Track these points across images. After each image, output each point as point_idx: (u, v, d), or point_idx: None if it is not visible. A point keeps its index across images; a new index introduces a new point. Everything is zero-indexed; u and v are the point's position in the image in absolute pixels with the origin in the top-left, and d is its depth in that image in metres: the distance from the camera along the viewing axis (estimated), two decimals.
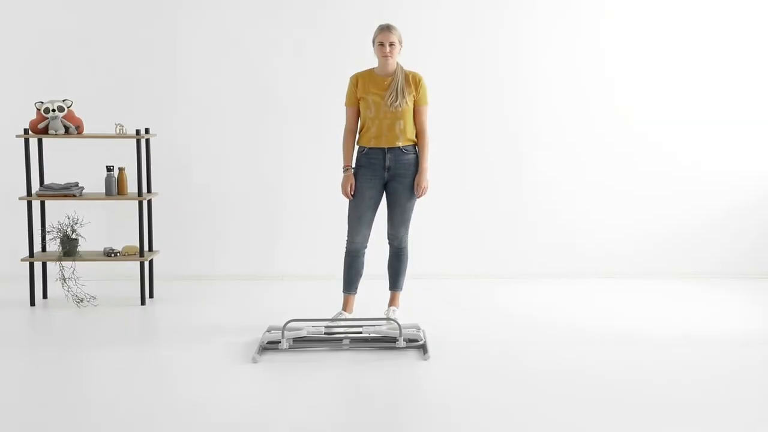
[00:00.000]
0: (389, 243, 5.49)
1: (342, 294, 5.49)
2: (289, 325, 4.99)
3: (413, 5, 6.82)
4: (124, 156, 6.52)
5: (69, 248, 6.00)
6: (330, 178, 6.90)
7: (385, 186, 5.38)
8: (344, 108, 5.48)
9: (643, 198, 6.97)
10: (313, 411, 4.02)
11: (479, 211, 6.96)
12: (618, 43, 6.87)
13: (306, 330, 4.99)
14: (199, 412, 3.97)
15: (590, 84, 6.89)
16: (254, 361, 4.69)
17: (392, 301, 5.55)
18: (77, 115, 6.07)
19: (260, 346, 4.88)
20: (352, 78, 5.45)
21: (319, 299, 6.16)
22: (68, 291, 6.09)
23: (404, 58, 6.84)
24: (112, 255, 6.10)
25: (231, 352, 4.87)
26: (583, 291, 6.52)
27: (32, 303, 6.03)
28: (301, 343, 4.97)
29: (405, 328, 5.02)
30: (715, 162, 6.96)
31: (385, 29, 5.38)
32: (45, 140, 6.30)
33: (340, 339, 5.01)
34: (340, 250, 5.59)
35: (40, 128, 5.94)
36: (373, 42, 5.41)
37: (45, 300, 6.19)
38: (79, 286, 6.18)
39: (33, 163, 6.22)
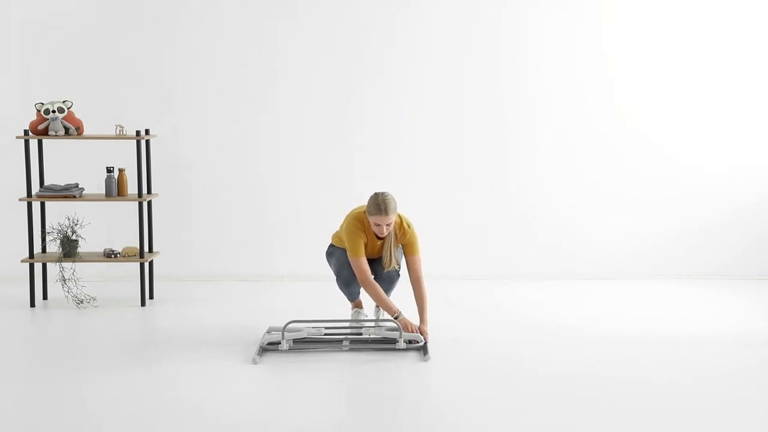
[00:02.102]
0: (380, 276, 5.21)
1: (349, 302, 5.48)
2: (289, 326, 4.99)
3: (412, 3, 6.81)
4: (124, 157, 6.52)
5: (69, 249, 6.00)
6: (330, 179, 6.91)
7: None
8: (353, 258, 4.99)
9: (643, 199, 6.97)
10: (313, 411, 4.02)
11: (479, 213, 6.96)
12: (619, 43, 6.86)
13: (306, 331, 4.99)
14: (199, 412, 3.97)
15: (591, 85, 6.88)
16: (254, 362, 4.69)
17: None
18: (77, 116, 6.07)
19: (260, 347, 4.88)
20: (357, 229, 5.00)
21: (318, 300, 6.16)
22: (68, 292, 6.09)
23: (403, 58, 6.86)
24: (113, 256, 6.10)
25: (231, 353, 4.87)
26: (583, 292, 6.52)
27: (32, 304, 6.03)
28: (302, 344, 4.97)
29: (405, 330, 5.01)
30: (716, 163, 6.95)
31: (383, 212, 4.87)
32: (45, 141, 6.31)
33: (340, 340, 5.01)
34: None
35: (40, 129, 5.94)
36: (368, 213, 4.94)
37: (45, 301, 6.19)
38: (79, 287, 6.18)
39: (33, 164, 6.22)
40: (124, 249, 6.14)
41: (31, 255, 6.06)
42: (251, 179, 6.92)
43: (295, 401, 4.19)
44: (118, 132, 6.03)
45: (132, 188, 6.39)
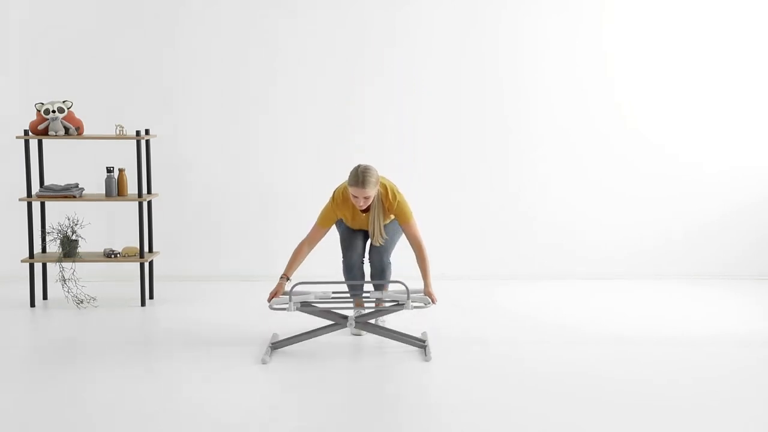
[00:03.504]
0: (371, 263, 5.29)
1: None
2: (296, 288, 4.96)
3: (412, 3, 6.81)
4: (124, 157, 6.52)
5: (69, 249, 6.00)
6: (330, 179, 6.91)
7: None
8: (315, 223, 5.10)
9: (643, 199, 6.97)
10: (313, 411, 4.02)
11: (479, 213, 6.96)
12: (619, 43, 6.86)
13: (313, 294, 4.95)
14: (199, 412, 3.97)
15: (591, 85, 6.88)
16: (263, 362, 4.68)
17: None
18: (77, 116, 6.07)
19: (269, 347, 4.86)
20: (338, 203, 5.08)
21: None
22: (68, 292, 6.09)
23: (403, 58, 6.86)
24: (113, 256, 6.10)
25: (231, 353, 4.87)
26: (583, 292, 6.52)
27: (32, 304, 6.03)
28: (308, 307, 4.88)
29: (413, 292, 4.92)
30: (716, 163, 6.95)
31: (360, 184, 4.85)
32: (45, 141, 6.30)
33: (349, 300, 4.97)
34: (339, 251, 5.57)
35: (40, 129, 5.94)
36: (348, 183, 4.97)
37: (45, 301, 6.19)
38: (79, 287, 6.18)
39: (33, 164, 6.22)
40: (124, 249, 6.14)
41: (31, 255, 6.06)
42: (251, 179, 6.92)
43: (295, 401, 4.19)
44: (118, 132, 6.03)
45: (132, 188, 6.39)
